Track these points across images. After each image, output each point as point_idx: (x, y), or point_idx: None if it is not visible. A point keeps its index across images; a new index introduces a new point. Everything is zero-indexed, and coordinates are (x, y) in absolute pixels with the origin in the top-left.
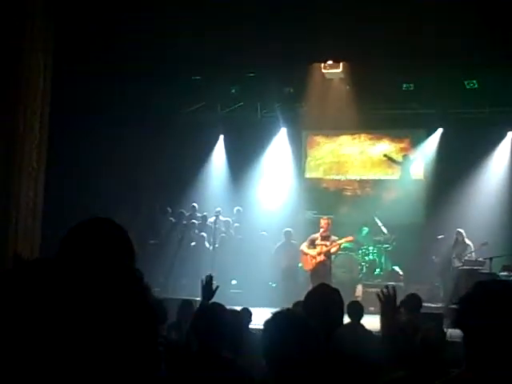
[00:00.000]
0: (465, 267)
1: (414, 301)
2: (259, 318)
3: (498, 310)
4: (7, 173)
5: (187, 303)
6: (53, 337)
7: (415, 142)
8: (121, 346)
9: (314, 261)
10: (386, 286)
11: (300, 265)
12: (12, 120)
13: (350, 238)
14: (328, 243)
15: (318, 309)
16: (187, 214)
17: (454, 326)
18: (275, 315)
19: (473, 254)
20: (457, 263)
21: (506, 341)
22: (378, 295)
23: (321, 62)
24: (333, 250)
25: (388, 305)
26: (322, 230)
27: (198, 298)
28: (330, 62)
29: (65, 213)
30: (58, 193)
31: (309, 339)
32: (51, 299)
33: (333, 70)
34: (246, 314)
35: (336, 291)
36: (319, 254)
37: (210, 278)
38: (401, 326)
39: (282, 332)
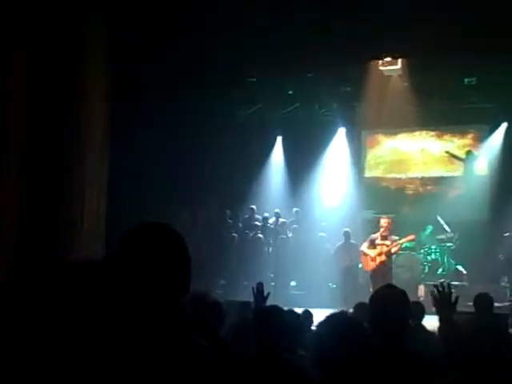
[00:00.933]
0: None
1: (484, 300)
2: (320, 319)
3: None
4: (71, 181)
5: (247, 305)
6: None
7: (478, 138)
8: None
9: (374, 261)
10: (441, 283)
11: (360, 265)
12: (76, 131)
13: (412, 237)
14: (388, 243)
15: (386, 311)
16: (246, 217)
17: None
18: (328, 318)
19: None
20: None
21: None
22: (432, 292)
23: (379, 60)
24: (393, 249)
25: (443, 302)
26: (382, 229)
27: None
28: (387, 59)
29: (127, 216)
30: (121, 197)
31: (361, 342)
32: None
33: (391, 67)
34: (308, 316)
35: (403, 292)
36: (379, 254)
37: (260, 286)
38: (457, 325)
39: (334, 334)
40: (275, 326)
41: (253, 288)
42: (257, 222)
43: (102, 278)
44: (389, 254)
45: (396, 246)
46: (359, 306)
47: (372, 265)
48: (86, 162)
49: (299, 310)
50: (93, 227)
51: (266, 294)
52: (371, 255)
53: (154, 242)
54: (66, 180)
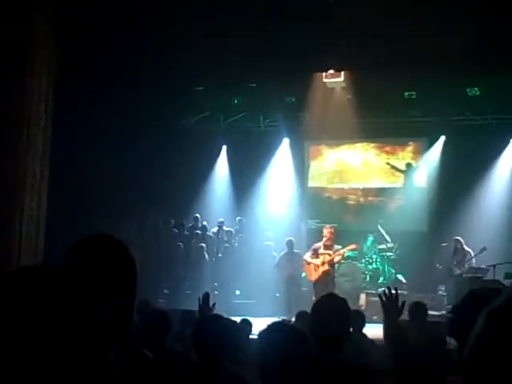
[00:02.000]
0: (468, 275)
1: (419, 309)
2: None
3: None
4: (10, 185)
5: (189, 314)
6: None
7: (418, 150)
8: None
9: (317, 270)
10: (388, 287)
11: (303, 274)
12: (16, 132)
13: (353, 246)
14: (331, 252)
15: (327, 319)
16: (189, 225)
17: (448, 335)
18: (269, 326)
19: (473, 260)
20: (457, 271)
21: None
22: (380, 296)
23: (322, 72)
24: (336, 258)
25: (390, 306)
26: (325, 238)
27: None
28: (331, 72)
29: (68, 225)
30: (61, 205)
31: (301, 350)
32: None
33: (334, 80)
34: (246, 325)
35: (344, 301)
36: (323, 263)
37: (206, 297)
38: (402, 327)
39: (274, 343)
40: (216, 334)
41: (199, 298)
42: (198, 231)
43: (59, 283)
44: (332, 263)
45: (338, 255)
46: (301, 315)
47: (315, 274)
48: (27, 172)
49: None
50: (32, 234)
51: (211, 304)
52: (314, 264)
53: (99, 251)
54: (6, 183)
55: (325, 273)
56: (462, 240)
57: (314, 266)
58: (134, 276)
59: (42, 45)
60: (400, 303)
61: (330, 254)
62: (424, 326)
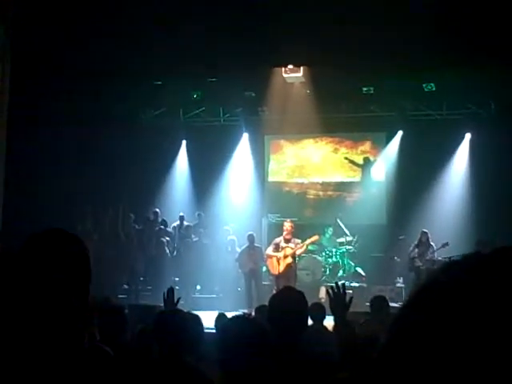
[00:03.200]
0: (424, 267)
1: (380, 302)
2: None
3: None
4: None
5: (149, 309)
6: None
7: (376, 145)
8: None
9: (280, 264)
10: (336, 284)
11: (264, 269)
12: None
13: (316, 238)
14: (292, 245)
15: (284, 312)
16: (150, 220)
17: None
18: (229, 320)
19: (435, 254)
20: (418, 263)
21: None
22: (328, 291)
23: (281, 67)
24: (299, 251)
25: (337, 301)
26: (285, 232)
27: (161, 305)
28: (290, 67)
29: (24, 220)
30: (17, 199)
31: (260, 342)
32: None
33: (293, 74)
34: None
35: (301, 293)
36: (285, 256)
37: (171, 291)
38: (347, 322)
39: (234, 336)
40: (176, 328)
41: (163, 293)
42: (159, 226)
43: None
44: (294, 256)
45: (301, 247)
46: (260, 308)
47: (278, 268)
48: None
49: (203, 314)
50: None
51: (176, 299)
52: (277, 257)
53: (55, 245)
54: None
55: (288, 266)
56: (428, 233)
57: (276, 260)
58: (88, 270)
59: None
60: (348, 298)
61: (291, 248)
62: (384, 318)
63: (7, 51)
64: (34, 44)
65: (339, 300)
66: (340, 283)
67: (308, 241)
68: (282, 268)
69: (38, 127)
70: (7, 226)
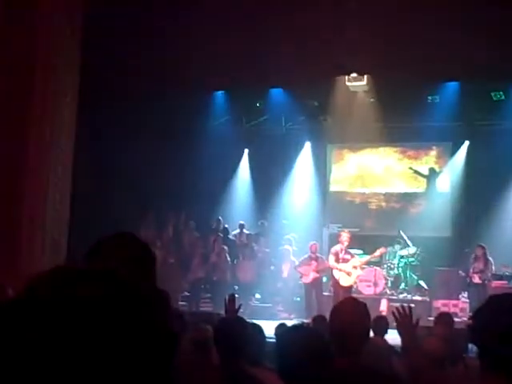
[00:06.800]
0: (482, 283)
1: (444, 318)
2: (282, 331)
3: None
4: (33, 184)
5: (209, 316)
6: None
7: (441, 155)
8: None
9: (351, 275)
10: (402, 306)
11: (325, 279)
12: (39, 131)
13: (383, 250)
14: (349, 257)
15: (346, 323)
16: (212, 228)
17: (470, 341)
18: (289, 329)
19: (492, 268)
20: (477, 279)
21: None
22: (394, 313)
23: (345, 75)
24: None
25: (404, 323)
26: (346, 243)
27: (222, 312)
28: (354, 75)
29: (90, 227)
30: (84, 206)
31: (321, 353)
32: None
33: (357, 83)
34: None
35: (364, 305)
36: (355, 267)
37: (232, 297)
38: (418, 342)
39: (295, 346)
40: (237, 336)
41: (225, 299)
42: (220, 234)
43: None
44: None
45: (370, 259)
46: (316, 318)
47: (348, 279)
48: (51, 166)
49: (262, 323)
50: (55, 235)
51: (237, 305)
52: (346, 270)
53: (123, 247)
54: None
55: (357, 278)
56: (486, 248)
57: (345, 273)
58: (154, 273)
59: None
60: (414, 320)
61: (360, 260)
62: (448, 336)
63: (76, 62)
64: (101, 55)
65: (406, 322)
66: (406, 306)
67: (377, 253)
68: (352, 280)
69: (100, 140)
70: (73, 232)
